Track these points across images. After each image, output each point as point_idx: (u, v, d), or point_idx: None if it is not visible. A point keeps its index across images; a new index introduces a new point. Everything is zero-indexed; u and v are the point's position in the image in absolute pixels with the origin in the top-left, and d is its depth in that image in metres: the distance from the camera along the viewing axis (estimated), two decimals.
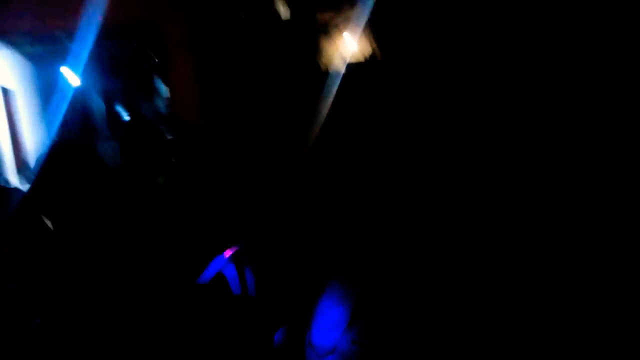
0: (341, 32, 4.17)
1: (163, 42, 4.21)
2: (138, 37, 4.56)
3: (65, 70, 4.99)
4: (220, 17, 4.16)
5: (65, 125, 5.06)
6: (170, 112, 4.37)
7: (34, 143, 5.83)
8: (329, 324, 2.43)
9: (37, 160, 3.83)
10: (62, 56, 4.97)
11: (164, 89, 4.78)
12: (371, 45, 4.11)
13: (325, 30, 4.30)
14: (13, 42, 5.42)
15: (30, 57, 6.11)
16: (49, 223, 2.94)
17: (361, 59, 4.15)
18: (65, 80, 5.19)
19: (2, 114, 5.65)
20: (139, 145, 3.30)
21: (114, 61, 5.30)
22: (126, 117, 5.65)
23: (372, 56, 4.17)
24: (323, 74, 4.03)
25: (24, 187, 3.64)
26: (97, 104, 5.97)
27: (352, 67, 4.10)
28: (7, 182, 3.81)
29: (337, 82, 3.91)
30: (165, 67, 4.28)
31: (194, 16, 4.10)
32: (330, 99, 3.84)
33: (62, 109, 5.28)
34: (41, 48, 5.74)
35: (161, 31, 4.15)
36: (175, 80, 4.16)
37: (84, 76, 5.13)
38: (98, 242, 2.89)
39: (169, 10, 4.10)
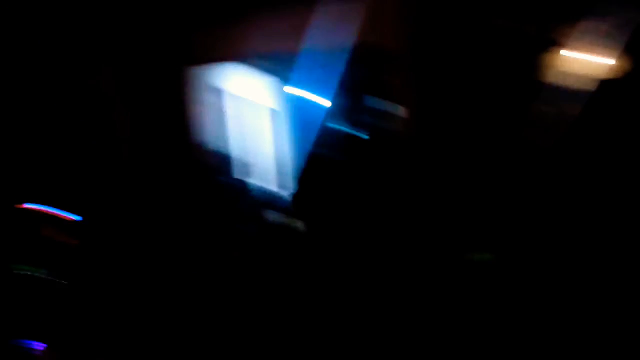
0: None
1: (393, 65, 4.57)
2: (371, 60, 4.98)
3: (312, 91, 5.71)
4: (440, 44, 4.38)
5: (318, 141, 5.57)
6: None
7: (292, 158, 6.33)
8: None
9: (296, 173, 4.47)
10: (308, 77, 5.76)
11: (395, 109, 5.02)
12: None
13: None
14: (261, 60, 5.83)
15: (278, 73, 6.45)
16: (302, 227, 3.61)
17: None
18: (314, 101, 5.98)
19: (270, 133, 6.51)
20: (377, 163, 3.77)
21: (351, 82, 5.62)
22: (365, 136, 5.92)
23: None
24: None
25: (285, 194, 4.23)
26: (340, 123, 6.20)
27: None
28: (271, 191, 4.27)
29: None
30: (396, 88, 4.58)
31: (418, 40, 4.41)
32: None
33: (314, 127, 5.94)
34: (291, 65, 6.00)
35: (391, 54, 4.53)
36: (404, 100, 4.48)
37: (329, 96, 5.78)
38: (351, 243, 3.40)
39: (396, 36, 4.46)
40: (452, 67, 4.23)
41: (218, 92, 6.52)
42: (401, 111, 4.81)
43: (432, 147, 4.14)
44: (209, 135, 6.08)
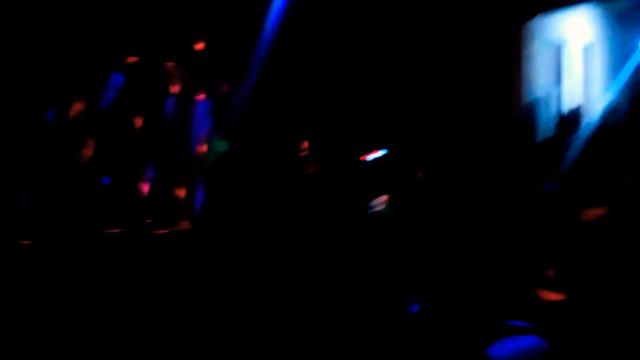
0: None
1: None
2: None
3: None
4: None
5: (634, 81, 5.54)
6: None
7: (602, 94, 6.45)
8: None
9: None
10: None
11: None
12: None
13: None
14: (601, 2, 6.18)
15: (615, 14, 6.75)
16: None
17: None
18: None
19: (580, 67, 6.63)
20: None
21: None
22: None
23: None
24: None
25: None
26: None
27: None
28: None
29: None
30: None
31: None
32: None
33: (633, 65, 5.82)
34: (628, 4, 6.29)
35: None
36: None
37: None
38: None
39: None
40: None
41: (554, 43, 6.19)
42: None
43: None
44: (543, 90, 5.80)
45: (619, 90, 6.03)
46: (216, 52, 4.19)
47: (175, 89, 3.86)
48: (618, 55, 7.21)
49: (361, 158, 5.26)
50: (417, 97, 5.88)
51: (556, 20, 6.21)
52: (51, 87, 3.71)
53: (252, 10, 5.13)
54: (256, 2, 5.09)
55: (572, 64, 6.76)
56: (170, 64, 3.86)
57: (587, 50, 7.02)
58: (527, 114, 5.39)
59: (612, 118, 4.47)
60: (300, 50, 5.64)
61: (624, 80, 5.98)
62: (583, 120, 4.30)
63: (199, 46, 4.05)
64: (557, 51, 6.54)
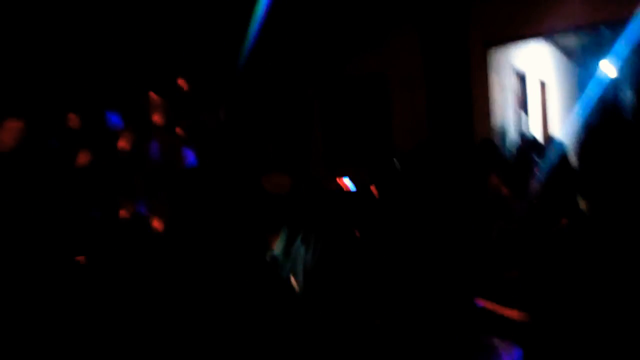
0: None
1: None
2: None
3: (602, 63, 5.78)
4: None
5: (596, 114, 5.63)
6: None
7: (562, 130, 6.69)
8: None
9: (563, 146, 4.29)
10: (598, 49, 5.77)
11: None
12: None
13: None
14: (554, 38, 6.46)
15: (567, 50, 7.15)
16: None
17: None
18: (600, 72, 5.94)
19: (538, 104, 6.93)
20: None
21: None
22: None
23: None
24: None
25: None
26: (628, 96, 6.55)
27: None
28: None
29: None
30: None
31: None
32: None
33: (593, 99, 5.86)
34: (579, 42, 6.58)
35: None
36: None
37: (620, 68, 5.96)
38: None
39: None
40: None
41: (514, 72, 6.49)
42: None
43: None
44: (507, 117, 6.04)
45: (580, 120, 6.34)
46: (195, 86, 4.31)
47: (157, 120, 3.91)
48: (574, 88, 7.60)
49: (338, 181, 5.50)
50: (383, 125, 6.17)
51: (518, 51, 6.47)
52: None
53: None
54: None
55: (533, 94, 7.04)
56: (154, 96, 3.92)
57: (545, 82, 7.35)
58: (493, 140, 5.50)
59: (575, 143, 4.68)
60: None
61: (582, 111, 6.30)
62: (544, 147, 4.45)
63: (181, 81, 4.17)
64: (521, 81, 6.80)
